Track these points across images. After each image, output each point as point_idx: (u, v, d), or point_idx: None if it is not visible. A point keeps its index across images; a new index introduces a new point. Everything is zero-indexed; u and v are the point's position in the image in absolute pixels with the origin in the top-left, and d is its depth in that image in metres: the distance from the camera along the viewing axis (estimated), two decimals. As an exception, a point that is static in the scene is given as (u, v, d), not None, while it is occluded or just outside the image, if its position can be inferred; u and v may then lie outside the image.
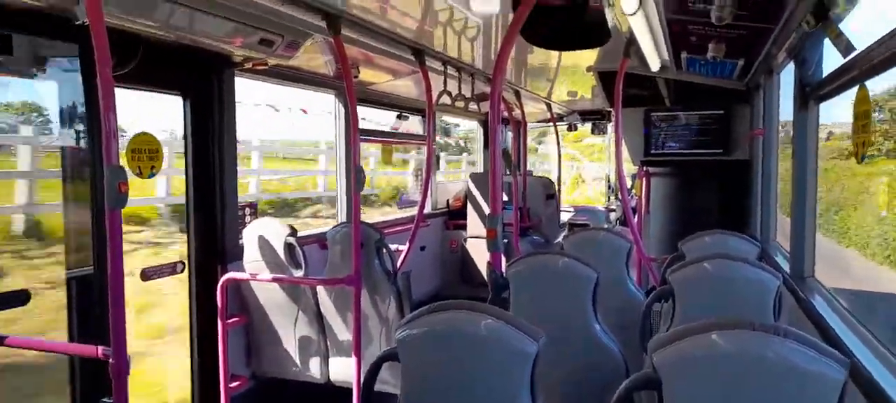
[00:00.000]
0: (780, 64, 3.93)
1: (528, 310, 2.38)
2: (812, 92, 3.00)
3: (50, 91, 2.94)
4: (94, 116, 2.79)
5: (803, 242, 3.10)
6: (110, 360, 2.03)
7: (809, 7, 2.63)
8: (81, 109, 2.85)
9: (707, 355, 1.37)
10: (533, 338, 1.53)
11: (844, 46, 2.42)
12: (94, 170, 2.84)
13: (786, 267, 3.36)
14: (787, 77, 4.01)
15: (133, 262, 4.17)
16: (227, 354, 3.48)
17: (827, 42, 2.81)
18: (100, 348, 2.14)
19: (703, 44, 3.74)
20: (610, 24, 3.02)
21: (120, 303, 2.03)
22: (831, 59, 2.93)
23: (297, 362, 3.81)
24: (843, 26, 2.53)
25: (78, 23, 2.43)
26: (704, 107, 5.40)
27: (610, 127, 7.96)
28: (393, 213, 7.87)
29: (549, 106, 7.10)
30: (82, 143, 2.89)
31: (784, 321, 2.78)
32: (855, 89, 2.29)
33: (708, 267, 2.29)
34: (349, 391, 3.51)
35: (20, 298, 2.67)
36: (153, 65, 3.03)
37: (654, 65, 4.41)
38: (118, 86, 2.05)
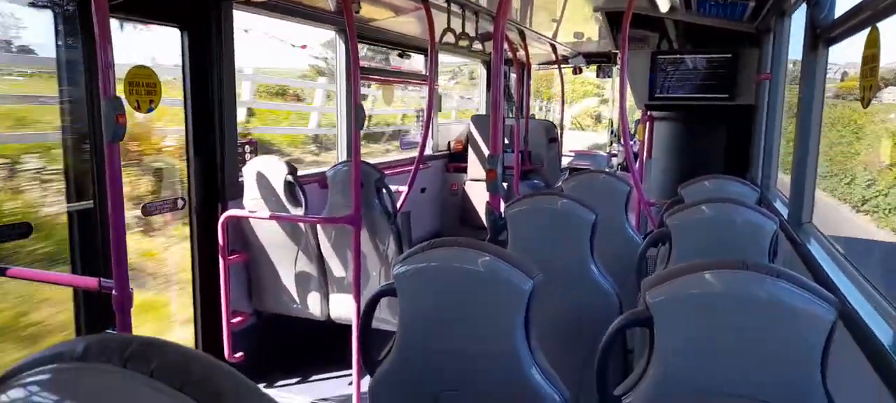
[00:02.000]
0: (792, 5, 3.83)
1: (525, 251, 2.39)
2: (822, 34, 2.93)
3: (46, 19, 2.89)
4: (89, 47, 2.74)
5: (803, 188, 3.09)
6: (113, 292, 2.06)
7: None
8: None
9: (699, 293, 1.38)
10: (528, 275, 1.55)
11: None
12: (92, 102, 2.81)
13: (785, 213, 3.37)
14: (797, 21, 3.91)
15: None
16: (228, 290, 3.53)
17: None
18: (101, 280, 2.16)
19: (714, -17, 3.64)
20: None
21: (121, 236, 2.04)
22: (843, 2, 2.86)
23: (298, 299, 3.87)
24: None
25: None
26: (712, 50, 5.29)
27: (615, 69, 7.84)
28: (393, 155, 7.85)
29: (554, 47, 6.97)
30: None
31: (779, 264, 2.80)
32: (866, 32, 2.24)
33: (705, 210, 2.30)
34: (349, 327, 3.58)
35: (21, 231, 2.69)
36: None
37: (664, 4, 4.30)
38: (113, 17, 2.01)
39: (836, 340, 1.33)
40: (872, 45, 2.22)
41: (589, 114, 21.25)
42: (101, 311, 2.84)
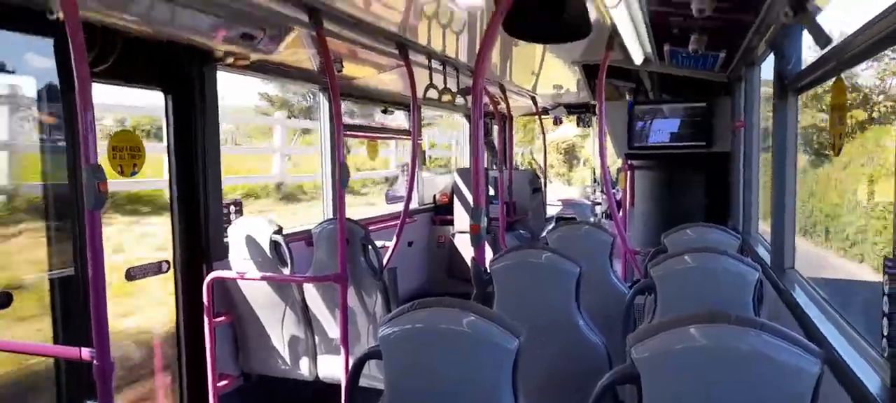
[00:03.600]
0: (760, 56, 3.97)
1: (511, 305, 2.39)
2: (791, 83, 3.03)
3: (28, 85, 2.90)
4: (71, 114, 2.74)
5: (783, 234, 3.13)
6: (94, 362, 2.02)
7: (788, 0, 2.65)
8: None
9: (684, 348, 1.39)
10: (514, 334, 1.54)
11: (822, 38, 2.45)
12: (74, 169, 2.80)
13: (768, 258, 3.40)
14: (767, 71, 4.05)
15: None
16: (214, 353, 3.47)
17: (805, 34, 2.84)
18: (83, 350, 2.12)
19: (685, 36, 3.76)
20: (592, 18, 3.03)
21: (102, 304, 2.01)
22: (810, 52, 2.97)
23: (286, 359, 3.81)
24: (820, 18, 2.55)
25: (52, 17, 2.40)
26: (688, 99, 5.43)
27: (594, 119, 7.99)
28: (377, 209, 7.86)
29: (534, 99, 7.11)
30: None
31: (765, 312, 2.82)
32: (832, 82, 2.32)
33: (688, 260, 2.32)
34: (338, 387, 3.51)
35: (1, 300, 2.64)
36: (133, 60, 3.00)
37: (638, 57, 4.43)
38: (96, 82, 2.03)
39: (825, 389, 1.33)
40: (839, 94, 2.31)
41: (560, 149, 19.88)
42: (84, 379, 2.77)
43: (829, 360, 1.34)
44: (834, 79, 2.30)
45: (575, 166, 19.93)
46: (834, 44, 2.40)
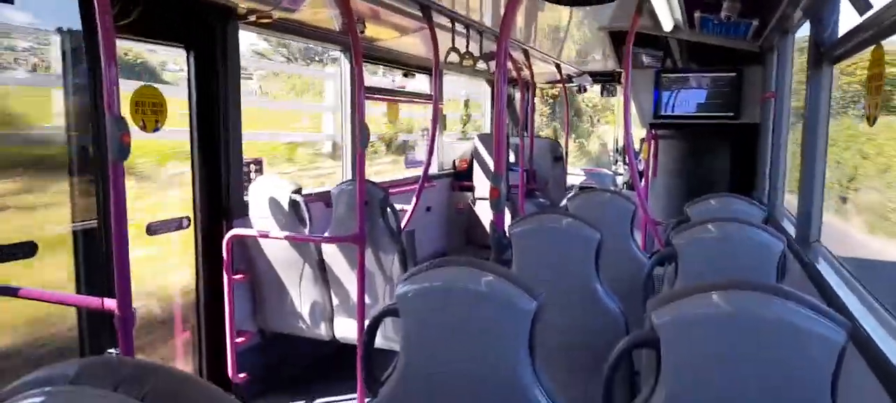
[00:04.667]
0: (795, 23, 3.84)
1: (529, 270, 2.38)
2: (826, 52, 2.93)
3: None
4: (95, 67, 2.76)
5: (810, 207, 3.06)
6: (116, 312, 2.06)
7: None
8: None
9: (706, 314, 1.36)
10: (532, 296, 1.53)
11: (861, 4, 2.35)
12: (97, 122, 2.83)
13: (793, 232, 3.34)
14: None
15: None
16: (233, 309, 3.52)
17: (844, 1, 2.73)
18: (105, 300, 2.16)
19: (718, 2, 3.65)
20: None
21: (124, 256, 2.04)
22: (847, 20, 2.86)
23: (303, 318, 3.86)
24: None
25: None
26: (716, 69, 5.30)
27: (619, 88, 7.86)
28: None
29: (558, 66, 7.00)
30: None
31: (788, 285, 2.77)
32: (870, 50, 2.23)
33: (712, 229, 2.27)
34: (353, 347, 3.55)
35: (26, 249, 2.69)
36: (155, 15, 2.99)
37: (667, 24, 4.32)
38: (119, 38, 2.03)
39: (847, 362, 1.30)
40: (877, 64, 2.22)
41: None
42: (106, 330, 2.84)
43: (854, 332, 1.30)
44: (873, 47, 2.21)
45: (593, 127, 19.61)
46: (873, 11, 2.31)
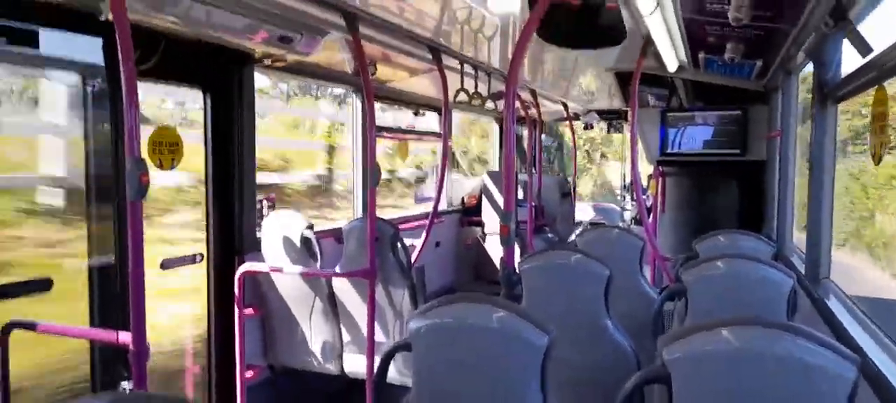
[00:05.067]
0: (798, 65, 3.91)
1: (540, 306, 2.40)
2: (830, 92, 2.98)
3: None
4: (117, 109, 2.85)
5: (819, 243, 3.08)
6: (130, 346, 2.09)
7: (828, 8, 2.62)
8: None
9: (717, 351, 1.38)
10: (544, 331, 1.55)
11: (863, 47, 2.41)
12: (117, 162, 2.91)
13: (802, 268, 3.34)
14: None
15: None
16: (243, 344, 3.54)
17: (846, 43, 2.79)
18: (120, 334, 2.20)
19: (721, 44, 3.72)
20: (626, 24, 3.03)
21: (140, 292, 2.08)
22: (849, 61, 2.92)
23: (313, 353, 3.86)
24: (861, 27, 2.51)
25: (102, 18, 2.51)
26: (722, 107, 5.37)
27: (626, 126, 7.94)
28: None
29: (565, 105, 7.10)
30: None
31: (798, 321, 2.77)
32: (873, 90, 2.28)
33: (721, 265, 2.29)
34: (363, 383, 3.55)
35: (42, 285, 2.74)
36: (174, 60, 3.09)
37: (672, 65, 4.40)
38: (140, 80, 2.11)
39: (859, 399, 1.31)
40: (881, 103, 2.26)
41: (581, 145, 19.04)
42: (118, 363, 2.87)
43: (865, 368, 1.32)
44: (876, 87, 2.26)
45: (597, 163, 19.57)
46: (875, 53, 2.36)
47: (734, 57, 3.73)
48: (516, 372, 1.56)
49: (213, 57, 3.39)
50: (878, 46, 2.35)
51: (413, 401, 1.65)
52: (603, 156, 19.08)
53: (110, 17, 1.99)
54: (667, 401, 1.45)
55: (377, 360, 1.80)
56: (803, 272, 3.22)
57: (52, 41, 2.74)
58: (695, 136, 5.40)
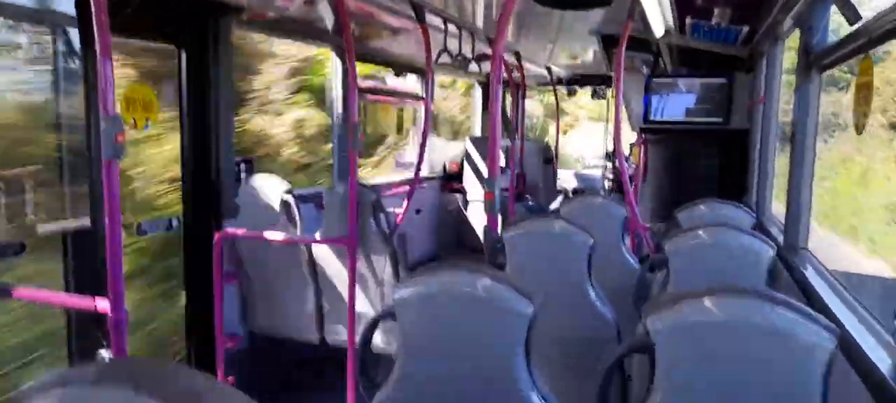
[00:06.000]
0: (785, 31, 3.89)
1: (522, 274, 2.39)
2: (816, 60, 2.97)
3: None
4: (90, 64, 2.73)
5: (799, 213, 3.10)
6: (109, 313, 2.04)
7: None
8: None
9: (700, 320, 1.38)
10: (529, 299, 1.54)
11: (851, 14, 2.39)
12: (90, 120, 2.80)
13: (781, 238, 3.38)
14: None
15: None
16: (221, 312, 3.50)
17: (834, 10, 2.77)
18: (98, 300, 2.14)
19: (709, 8, 3.68)
20: None
21: (117, 257, 2.02)
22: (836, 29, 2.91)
23: (292, 321, 3.84)
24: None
25: None
26: (706, 74, 5.35)
27: (610, 92, 7.91)
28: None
29: (549, 69, 7.03)
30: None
31: (777, 290, 2.81)
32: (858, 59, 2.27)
33: (702, 235, 2.30)
34: (343, 350, 3.54)
35: (15, 249, 2.66)
36: (147, 13, 2.97)
37: (658, 29, 4.35)
38: (112, 35, 2.01)
39: (836, 369, 1.33)
40: (866, 72, 2.26)
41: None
42: (94, 331, 2.81)
43: (842, 339, 1.33)
44: (862, 56, 2.25)
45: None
46: (863, 21, 2.35)
47: (721, 21, 3.70)
48: (502, 340, 1.55)
49: (189, 10, 3.26)
50: (867, 14, 2.33)
51: (398, 369, 1.63)
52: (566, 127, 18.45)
53: None
54: (649, 369, 1.45)
55: (359, 329, 1.78)
56: (782, 242, 3.25)
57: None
58: (678, 104, 5.39)
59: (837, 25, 2.96)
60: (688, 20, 4.09)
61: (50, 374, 0.64)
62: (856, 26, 2.39)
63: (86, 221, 2.88)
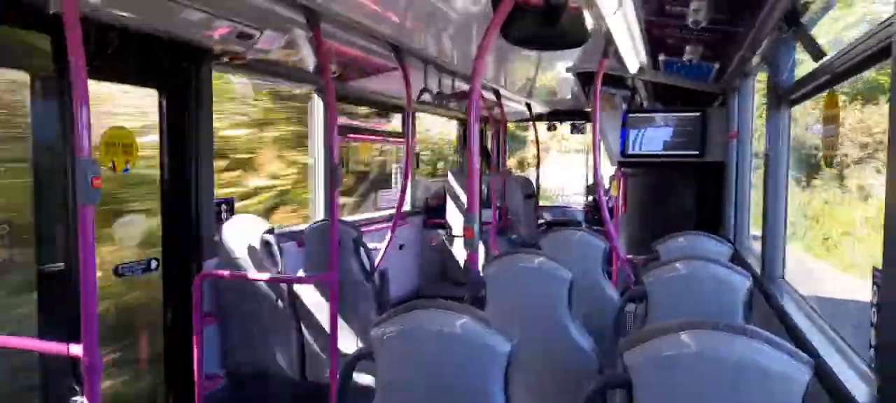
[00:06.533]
0: (754, 67, 4.00)
1: (503, 309, 2.39)
2: (784, 95, 3.06)
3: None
4: (66, 109, 2.73)
5: (775, 244, 3.16)
6: (83, 358, 2.00)
7: (782, 12, 2.68)
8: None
9: (675, 354, 1.39)
10: (506, 338, 1.54)
11: (815, 52, 2.48)
12: (67, 164, 2.79)
13: (758, 268, 3.43)
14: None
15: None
16: (201, 352, 3.44)
17: (799, 47, 2.87)
18: (71, 346, 2.10)
19: (680, 46, 3.79)
20: (588, 26, 3.05)
21: (92, 300, 1.99)
22: (803, 65, 3.00)
23: (274, 360, 3.78)
24: (814, 32, 2.58)
25: (51, 12, 2.39)
26: (681, 109, 5.47)
27: (589, 126, 8.03)
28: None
29: (528, 105, 7.14)
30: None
31: (755, 321, 2.84)
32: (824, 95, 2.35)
33: (680, 267, 2.33)
34: (325, 388, 3.49)
35: None
36: (128, 57, 2.98)
37: (633, 66, 4.46)
38: (90, 79, 2.02)
39: (812, 397, 1.34)
40: (832, 106, 2.33)
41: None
42: (69, 376, 2.75)
43: (818, 369, 1.35)
44: (827, 92, 2.33)
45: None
46: (827, 58, 2.43)
47: (693, 58, 3.81)
48: (480, 378, 1.54)
49: (169, 54, 3.28)
50: (831, 51, 2.42)
51: None
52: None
53: (59, 10, 1.89)
54: (627, 402, 1.46)
55: (342, 367, 1.77)
56: (759, 272, 3.30)
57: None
58: (655, 137, 5.49)
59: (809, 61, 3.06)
60: (661, 57, 4.21)
61: None
62: (819, 63, 2.48)
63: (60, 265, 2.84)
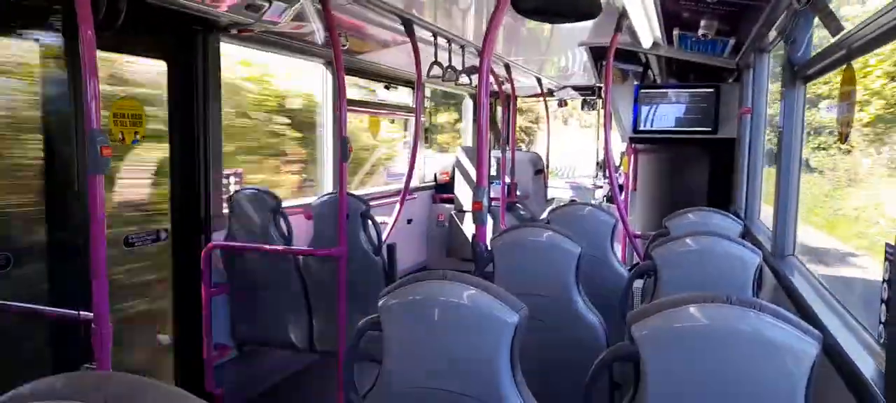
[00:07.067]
0: (770, 43, 3.93)
1: (511, 283, 2.39)
2: (799, 71, 3.01)
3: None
4: (75, 79, 2.73)
5: (785, 220, 3.12)
6: (93, 326, 2.03)
7: None
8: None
9: (683, 328, 1.39)
10: (514, 309, 1.54)
11: (833, 25, 2.42)
12: (76, 134, 2.80)
13: (769, 245, 3.40)
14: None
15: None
16: (210, 323, 3.48)
17: (817, 21, 2.81)
18: (82, 313, 2.13)
19: (695, 20, 3.72)
20: None
21: (101, 269, 2.01)
22: (820, 40, 2.94)
23: (282, 332, 3.82)
24: (832, 6, 2.52)
25: None
26: (694, 84, 5.40)
27: (600, 102, 7.96)
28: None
29: (539, 80, 7.07)
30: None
31: (764, 297, 2.83)
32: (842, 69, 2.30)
33: (690, 243, 2.31)
34: (334, 360, 3.53)
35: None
36: (135, 29, 2.97)
37: (646, 41, 4.39)
38: (99, 50, 2.02)
39: (820, 373, 1.33)
40: (848, 82, 2.28)
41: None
42: (80, 344, 2.79)
43: (826, 345, 1.34)
44: (844, 66, 2.28)
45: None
46: (845, 31, 2.37)
47: (708, 34, 3.74)
48: (487, 349, 1.55)
49: (177, 26, 3.26)
50: (849, 25, 2.36)
51: (383, 377, 1.63)
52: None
53: None
54: (635, 377, 1.45)
55: (350, 335, 1.78)
56: (769, 249, 3.27)
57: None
58: (667, 114, 5.42)
59: (826, 38, 3.00)
60: (675, 32, 4.13)
61: (18, 389, 0.63)
62: (836, 38, 2.42)
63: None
